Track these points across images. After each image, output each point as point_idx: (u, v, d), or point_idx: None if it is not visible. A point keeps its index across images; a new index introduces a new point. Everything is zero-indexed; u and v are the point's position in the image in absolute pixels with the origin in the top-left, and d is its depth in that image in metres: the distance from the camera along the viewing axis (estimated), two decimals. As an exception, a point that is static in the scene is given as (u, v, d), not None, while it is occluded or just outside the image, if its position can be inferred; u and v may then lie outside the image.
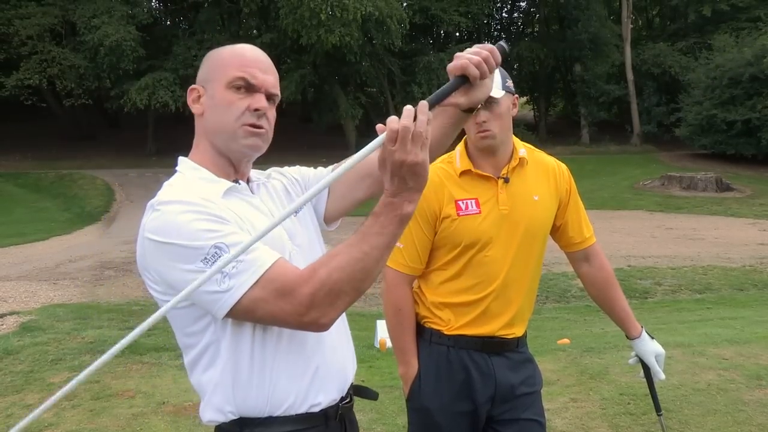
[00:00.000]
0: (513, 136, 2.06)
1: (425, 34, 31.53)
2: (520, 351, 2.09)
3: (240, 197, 1.35)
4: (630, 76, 28.18)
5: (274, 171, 1.58)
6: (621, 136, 28.71)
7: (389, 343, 5.31)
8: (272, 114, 1.38)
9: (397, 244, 1.89)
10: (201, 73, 1.39)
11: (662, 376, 2.22)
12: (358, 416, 4.06)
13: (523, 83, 35.81)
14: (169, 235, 1.19)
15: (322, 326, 1.21)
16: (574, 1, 29.31)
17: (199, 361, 1.31)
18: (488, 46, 1.26)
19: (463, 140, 2.07)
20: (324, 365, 1.36)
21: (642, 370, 2.28)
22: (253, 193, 1.40)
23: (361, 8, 21.50)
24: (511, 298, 2.03)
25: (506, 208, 1.99)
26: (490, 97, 1.90)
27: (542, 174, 2.09)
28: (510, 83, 1.99)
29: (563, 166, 2.15)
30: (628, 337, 2.24)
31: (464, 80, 1.24)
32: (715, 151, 23.45)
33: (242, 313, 1.20)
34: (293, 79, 24.71)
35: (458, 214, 1.98)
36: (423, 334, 2.07)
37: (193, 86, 1.39)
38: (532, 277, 2.08)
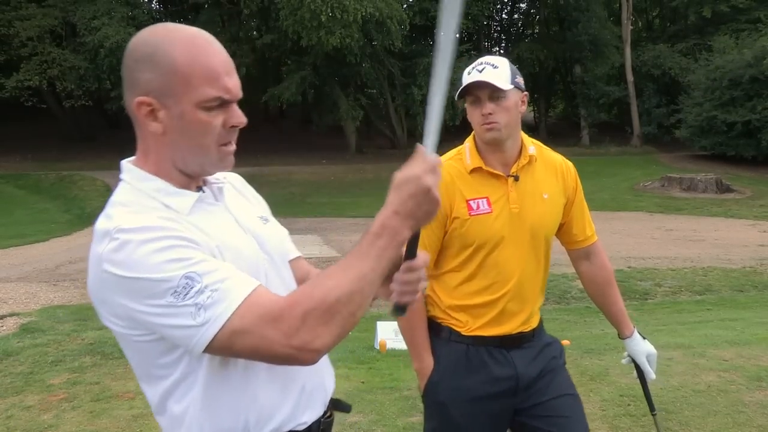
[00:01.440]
0: (522, 133, 2.04)
1: (425, 36, 31.52)
2: (538, 339, 2.10)
3: (206, 209, 1.23)
4: (630, 77, 28.19)
5: (230, 176, 1.42)
6: (621, 137, 28.72)
7: (389, 345, 5.31)
8: None
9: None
10: (149, 81, 1.14)
11: (653, 376, 2.22)
12: (359, 417, 4.07)
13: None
14: (133, 269, 1.05)
15: (313, 352, 1.08)
16: (574, 2, 29.32)
17: (172, 393, 1.19)
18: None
19: (471, 136, 2.05)
20: (309, 382, 1.29)
21: (635, 371, 2.29)
22: (216, 200, 1.28)
23: (361, 9, 21.49)
24: (527, 296, 2.03)
25: (517, 206, 1.98)
26: (497, 89, 1.89)
27: (551, 172, 2.08)
28: (520, 80, 1.97)
29: (570, 164, 2.15)
30: (620, 337, 2.25)
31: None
32: (715, 153, 23.45)
33: (222, 348, 1.08)
34: (293, 80, 24.70)
35: (470, 214, 1.96)
36: (441, 332, 2.06)
37: (141, 99, 1.14)
38: (544, 274, 2.10)
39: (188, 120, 1.15)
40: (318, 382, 1.33)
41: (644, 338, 2.24)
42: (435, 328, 2.08)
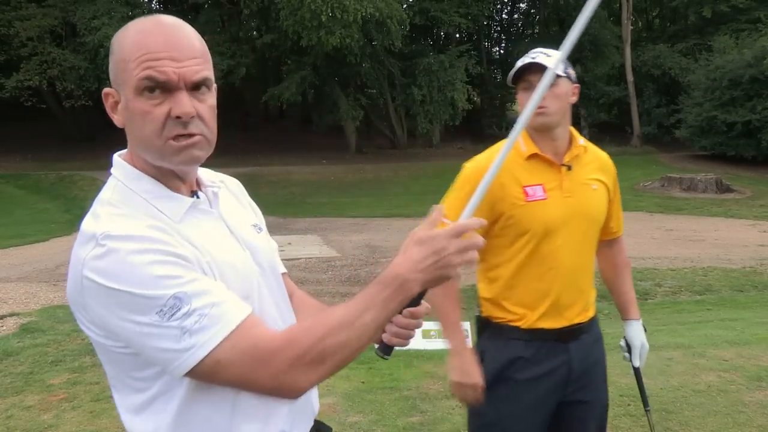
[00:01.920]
0: (571, 127, 2.08)
1: (425, 36, 31.52)
2: (593, 330, 2.13)
3: (198, 217, 1.15)
4: (630, 77, 28.18)
5: (228, 179, 1.35)
6: (621, 137, 28.69)
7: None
8: (207, 106, 1.11)
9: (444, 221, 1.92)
10: (110, 72, 1.11)
11: (637, 363, 2.26)
12: (359, 417, 4.07)
13: (523, 84, 35.81)
14: (119, 280, 0.99)
15: (297, 391, 1.05)
16: (573, 2, 29.34)
17: (144, 409, 1.11)
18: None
19: None
20: (294, 410, 1.23)
21: (632, 370, 2.31)
22: (211, 206, 1.20)
23: (361, 9, 21.49)
24: (582, 286, 2.06)
25: (570, 195, 2.01)
26: (548, 71, 1.92)
27: (597, 165, 2.13)
28: (572, 71, 2.01)
29: (611, 162, 2.20)
30: (623, 318, 2.28)
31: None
32: (715, 153, 23.43)
33: (204, 375, 1.02)
34: (293, 80, 24.70)
35: (526, 200, 1.98)
36: (496, 328, 2.07)
37: (106, 90, 1.12)
38: (594, 263, 2.14)
39: (130, 109, 1.08)
40: (306, 399, 1.28)
41: (645, 331, 2.28)
42: (490, 325, 2.09)
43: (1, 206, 17.60)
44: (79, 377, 4.63)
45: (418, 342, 5.25)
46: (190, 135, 1.08)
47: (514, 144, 2.03)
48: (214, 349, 1.00)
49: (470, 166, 2.05)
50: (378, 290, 1.06)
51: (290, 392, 1.06)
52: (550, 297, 2.00)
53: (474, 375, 1.98)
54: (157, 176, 1.13)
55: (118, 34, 1.11)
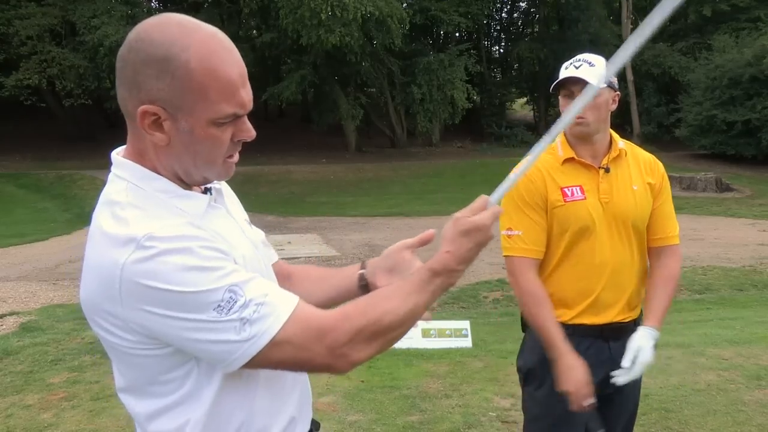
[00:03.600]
0: (611, 131, 2.13)
1: (425, 35, 31.49)
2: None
3: (213, 213, 1.17)
4: (630, 76, 28.16)
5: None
6: (621, 136, 28.56)
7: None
8: None
9: (515, 231, 2.01)
10: (158, 90, 1.03)
11: (626, 364, 2.06)
12: (359, 416, 4.07)
13: (523, 83, 35.80)
14: (171, 281, 0.98)
15: (350, 364, 1.09)
16: (573, 1, 29.30)
17: (169, 411, 1.11)
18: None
19: None
20: (301, 397, 1.28)
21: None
22: (216, 201, 1.21)
23: (361, 8, 21.48)
24: (624, 286, 2.08)
25: (607, 197, 2.05)
26: (590, 87, 1.95)
27: (640, 167, 2.15)
28: (614, 80, 2.05)
29: (659, 163, 2.21)
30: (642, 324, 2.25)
31: None
32: (715, 152, 23.45)
33: (261, 361, 1.05)
34: (293, 79, 24.68)
35: (565, 201, 2.03)
36: None
37: (146, 108, 1.04)
38: (641, 265, 2.14)
39: (198, 135, 1.06)
40: (308, 399, 1.32)
41: (654, 346, 2.21)
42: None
43: (1, 205, 17.60)
44: (79, 376, 4.63)
45: (417, 341, 5.25)
46: (236, 154, 1.15)
47: (552, 148, 2.08)
48: (276, 333, 1.03)
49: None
50: (428, 278, 1.12)
51: (344, 366, 1.09)
52: (590, 295, 2.05)
53: (582, 378, 1.97)
54: (170, 177, 1.12)
55: (176, 50, 1.01)
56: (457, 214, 1.15)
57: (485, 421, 3.74)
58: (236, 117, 1.08)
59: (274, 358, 1.04)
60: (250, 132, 1.11)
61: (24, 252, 11.88)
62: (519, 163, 1.53)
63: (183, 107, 1.04)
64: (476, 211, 1.14)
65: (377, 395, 4.12)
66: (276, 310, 1.04)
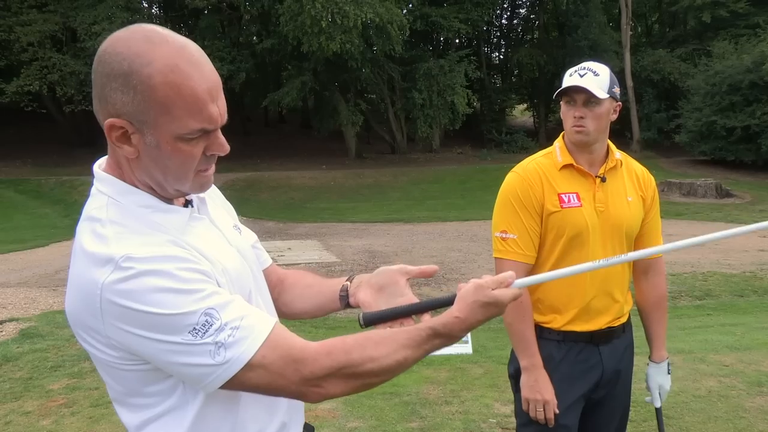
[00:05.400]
0: (609, 141, 2.16)
1: (425, 41, 31.57)
2: (627, 335, 2.21)
3: (195, 225, 1.15)
4: (629, 82, 28.20)
5: None
6: (621, 142, 28.54)
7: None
8: None
9: (510, 234, 2.04)
10: (123, 104, 1.01)
11: (658, 404, 2.33)
12: (359, 423, 4.05)
13: (522, 90, 35.89)
14: (148, 303, 0.98)
15: (322, 397, 1.08)
16: (573, 7, 29.39)
17: (156, 422, 1.11)
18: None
19: (561, 135, 2.17)
20: (292, 402, 1.25)
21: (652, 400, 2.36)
22: (200, 212, 1.19)
23: (361, 15, 21.54)
24: (615, 293, 2.12)
25: (602, 206, 2.08)
26: (593, 96, 2.00)
27: (634, 179, 2.18)
28: (617, 90, 2.08)
29: (651, 177, 2.24)
30: (650, 358, 2.32)
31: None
32: (715, 158, 23.47)
33: (236, 384, 1.04)
34: (294, 85, 24.73)
35: (562, 207, 2.05)
36: (536, 330, 2.12)
37: (112, 121, 1.02)
38: (629, 275, 2.20)
39: (165, 150, 1.04)
40: (300, 406, 1.32)
41: (669, 372, 2.32)
42: None
43: (1, 211, 17.61)
44: (79, 382, 4.62)
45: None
46: (211, 168, 1.13)
47: (550, 153, 2.12)
48: (250, 358, 1.02)
49: (510, 180, 2.13)
50: (427, 337, 1.11)
51: (316, 398, 1.09)
52: (580, 302, 2.07)
53: (545, 392, 2.03)
54: (147, 190, 1.11)
55: (139, 64, 1.00)
56: (481, 281, 1.13)
57: (485, 427, 3.73)
58: (205, 132, 1.05)
59: (249, 382, 1.04)
60: (223, 146, 1.09)
61: (24, 258, 11.87)
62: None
63: (147, 122, 1.02)
64: (499, 284, 1.13)
65: (377, 401, 4.12)
66: (251, 334, 1.03)
